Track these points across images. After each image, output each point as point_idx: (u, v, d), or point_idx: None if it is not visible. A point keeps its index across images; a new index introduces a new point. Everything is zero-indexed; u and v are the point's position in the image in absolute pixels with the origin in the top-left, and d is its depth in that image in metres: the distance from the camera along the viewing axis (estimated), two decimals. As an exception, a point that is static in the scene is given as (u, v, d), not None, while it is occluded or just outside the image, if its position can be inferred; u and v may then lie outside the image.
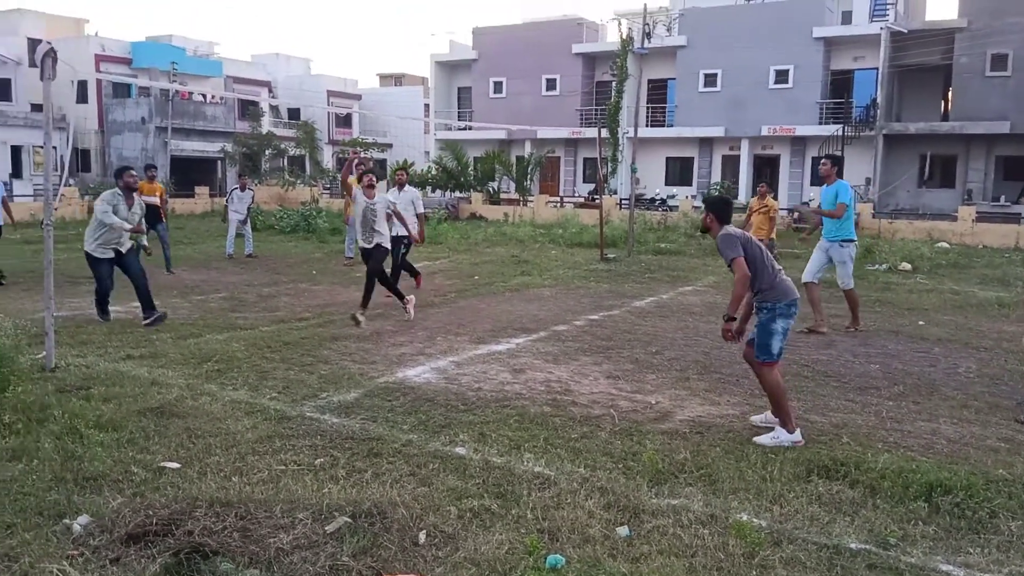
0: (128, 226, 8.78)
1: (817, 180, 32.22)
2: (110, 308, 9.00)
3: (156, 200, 13.21)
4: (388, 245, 9.42)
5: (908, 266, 15.25)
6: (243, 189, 16.26)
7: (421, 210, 11.65)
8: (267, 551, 3.41)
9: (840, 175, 9.26)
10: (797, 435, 5.19)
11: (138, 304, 8.87)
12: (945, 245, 19.95)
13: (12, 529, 3.63)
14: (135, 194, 9.03)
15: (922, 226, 22.37)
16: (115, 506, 3.86)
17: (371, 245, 9.20)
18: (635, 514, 4.00)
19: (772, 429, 5.31)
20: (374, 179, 9.28)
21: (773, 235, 12.89)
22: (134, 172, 9.06)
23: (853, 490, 4.37)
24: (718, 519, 3.95)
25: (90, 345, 7.57)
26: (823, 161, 9.30)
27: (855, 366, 7.53)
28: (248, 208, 16.18)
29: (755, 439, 5.22)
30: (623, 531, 3.80)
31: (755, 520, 3.95)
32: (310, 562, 3.35)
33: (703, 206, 5.58)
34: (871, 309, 10.87)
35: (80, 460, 4.46)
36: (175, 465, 4.48)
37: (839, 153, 9.20)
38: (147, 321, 8.70)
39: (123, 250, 8.88)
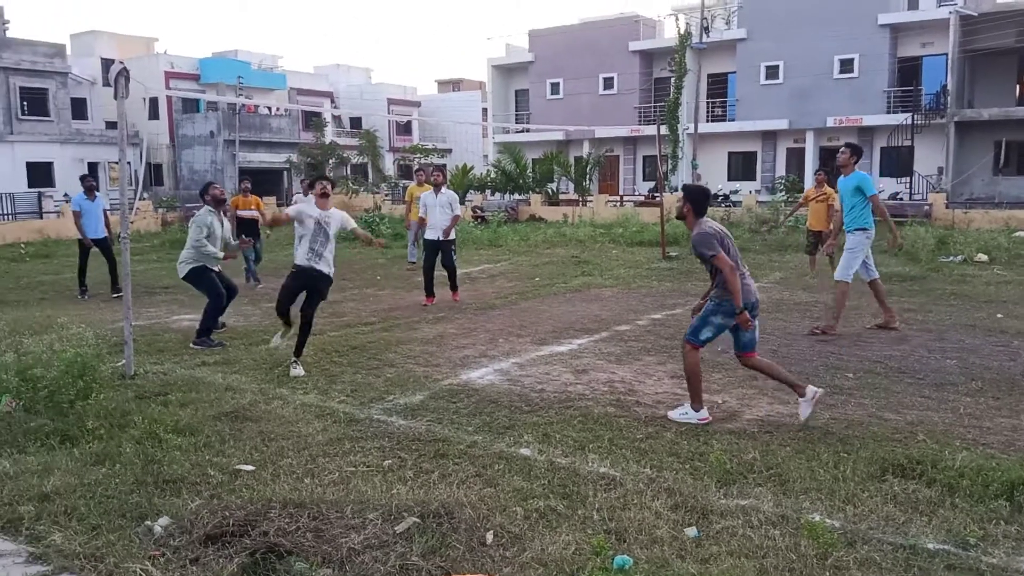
0: (221, 255, 8.59)
1: (887, 171, 31.39)
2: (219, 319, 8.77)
3: (255, 213, 13.44)
4: (330, 277, 7.29)
5: (984, 257, 14.70)
6: (305, 194, 15.22)
7: (458, 211, 11.03)
8: (339, 551, 3.48)
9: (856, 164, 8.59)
10: (704, 413, 5.59)
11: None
12: (1023, 234, 19.16)
13: (97, 530, 3.79)
14: (225, 207, 8.97)
15: (998, 215, 21.50)
16: (193, 508, 4.00)
17: (307, 265, 7.13)
18: (703, 515, 3.96)
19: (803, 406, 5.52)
20: (328, 187, 7.31)
21: (831, 226, 12.06)
22: (218, 185, 8.98)
23: (930, 489, 4.24)
24: (789, 520, 3.88)
25: (167, 353, 7.84)
26: (842, 149, 8.63)
27: (930, 361, 7.30)
28: None
29: (668, 413, 5.71)
30: (691, 532, 3.76)
31: (828, 520, 3.86)
32: (380, 562, 3.41)
33: (682, 193, 5.83)
34: (946, 302, 10.52)
35: (159, 464, 4.63)
36: (250, 468, 4.61)
37: (855, 143, 8.65)
38: (197, 343, 8.23)
39: (216, 268, 8.73)
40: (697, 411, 5.58)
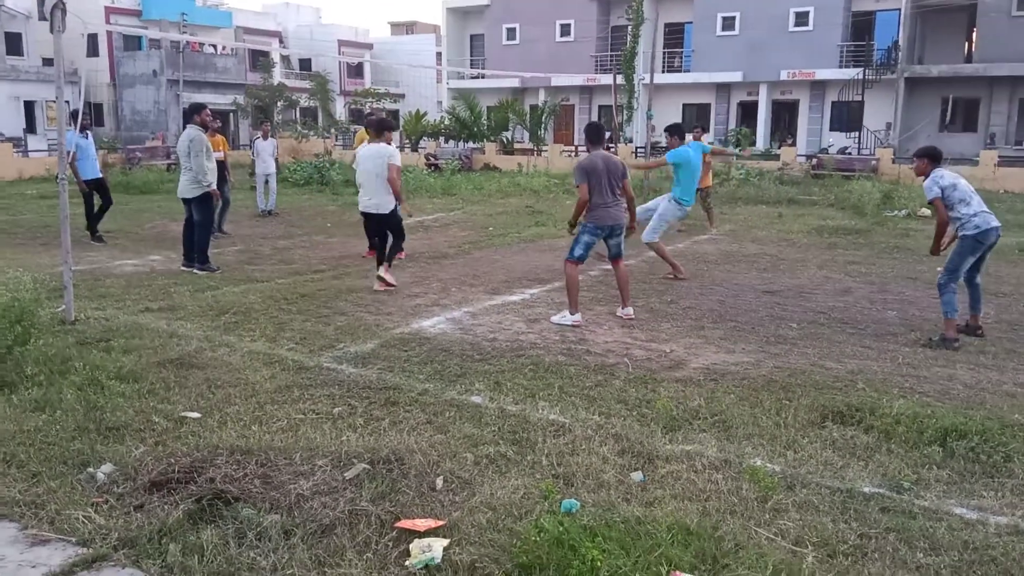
0: (212, 183, 8.87)
1: (837, 125, 31.76)
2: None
3: (221, 155, 11.92)
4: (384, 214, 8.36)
5: (928, 212, 15.04)
6: (266, 137, 15.26)
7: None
8: (288, 497, 3.48)
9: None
10: (578, 317, 6.86)
11: (155, 257, 8.94)
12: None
13: (38, 478, 3.71)
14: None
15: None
16: (138, 455, 3.94)
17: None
18: (649, 460, 4.04)
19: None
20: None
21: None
22: (209, 111, 9.07)
23: (868, 435, 4.38)
24: (732, 464, 3.98)
25: (108, 298, 7.65)
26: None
27: (872, 313, 7.50)
28: (276, 159, 15.18)
29: (551, 318, 6.90)
30: (637, 476, 3.84)
31: (769, 465, 3.97)
32: (330, 507, 3.41)
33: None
34: (889, 255, 10.78)
35: (102, 410, 4.54)
36: (196, 415, 4.55)
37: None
38: (201, 268, 8.96)
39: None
40: (572, 315, 6.88)
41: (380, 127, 8.41)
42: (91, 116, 38.71)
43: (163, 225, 13.37)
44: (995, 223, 6.48)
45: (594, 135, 7.17)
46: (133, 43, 40.43)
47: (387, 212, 8.25)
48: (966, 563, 3.12)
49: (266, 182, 15.11)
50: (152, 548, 3.14)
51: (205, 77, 39.40)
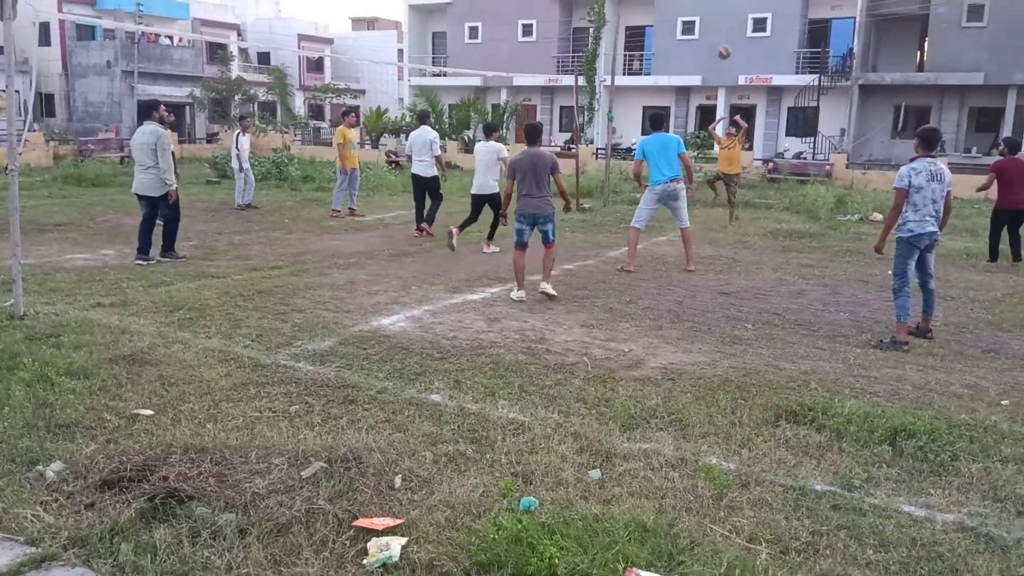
0: (175, 182, 9.24)
1: (793, 130, 32.31)
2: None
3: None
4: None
5: (879, 216, 15.39)
6: (244, 132, 15.66)
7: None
8: (243, 495, 3.43)
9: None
10: (521, 294, 7.88)
11: (107, 251, 8.77)
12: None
13: (-16, 476, 3.62)
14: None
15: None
16: (88, 453, 3.86)
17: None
18: (607, 458, 4.07)
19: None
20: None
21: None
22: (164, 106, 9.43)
23: (820, 434, 4.47)
24: (688, 462, 4.03)
25: (59, 293, 7.47)
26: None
27: (825, 314, 7.65)
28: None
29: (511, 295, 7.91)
30: (595, 474, 3.87)
31: (724, 463, 4.03)
32: (286, 506, 3.38)
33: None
34: (842, 259, 11.00)
35: (52, 407, 4.44)
36: (148, 412, 4.47)
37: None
38: (165, 256, 9.30)
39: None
40: (516, 291, 7.94)
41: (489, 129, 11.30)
42: (42, 106, 37.83)
43: (116, 219, 13.09)
44: (930, 228, 6.61)
45: (530, 135, 8.23)
46: (87, 32, 39.49)
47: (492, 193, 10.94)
48: (914, 559, 3.20)
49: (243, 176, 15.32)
50: (103, 547, 3.08)
51: (161, 69, 38.64)
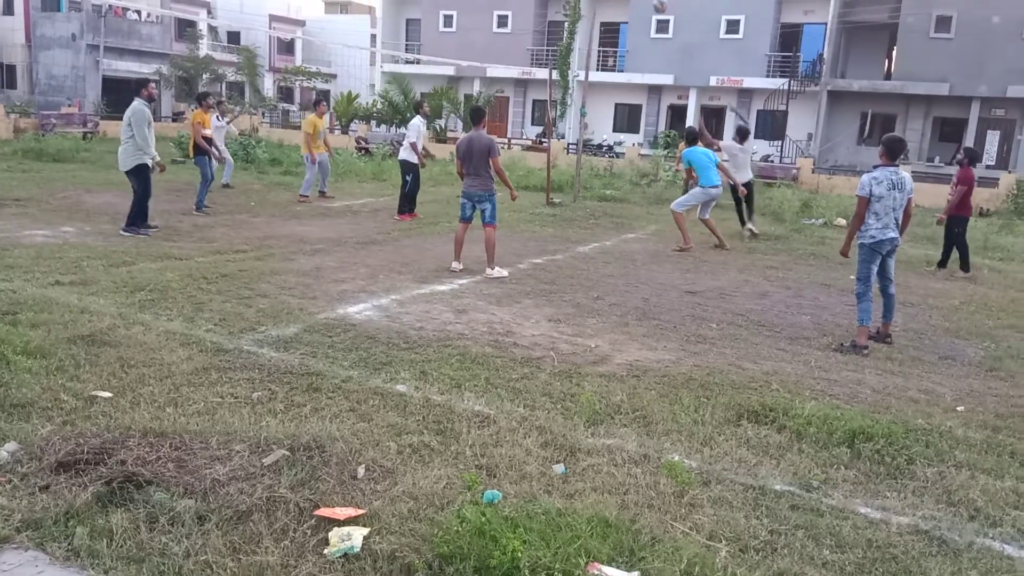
0: (157, 156, 9.65)
1: (761, 133, 32.65)
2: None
3: (210, 132, 13.31)
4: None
5: (843, 221, 15.61)
6: (222, 116, 16.29)
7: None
8: (203, 482, 3.39)
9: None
10: (505, 272, 8.55)
11: (68, 228, 8.61)
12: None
13: (-66, 455, 3.52)
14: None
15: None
16: (44, 434, 3.78)
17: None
18: (571, 453, 4.09)
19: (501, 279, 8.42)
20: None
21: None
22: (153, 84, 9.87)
23: (780, 435, 4.53)
24: (651, 459, 4.06)
25: (16, 269, 7.29)
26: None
27: (787, 316, 7.75)
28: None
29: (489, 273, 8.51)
30: (559, 468, 3.88)
31: (686, 461, 4.07)
32: (247, 493, 3.34)
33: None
34: (805, 262, 11.15)
35: (7, 387, 4.33)
36: (107, 394, 4.39)
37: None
38: (127, 230, 9.56)
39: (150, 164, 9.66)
40: (455, 262, 8.73)
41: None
42: (4, 78, 36.87)
43: (76, 195, 12.82)
44: (891, 235, 6.74)
45: (474, 117, 9.01)
46: (52, 3, 38.49)
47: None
48: (869, 560, 3.26)
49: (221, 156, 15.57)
50: (58, 531, 3.02)
51: (128, 44, 37.86)
